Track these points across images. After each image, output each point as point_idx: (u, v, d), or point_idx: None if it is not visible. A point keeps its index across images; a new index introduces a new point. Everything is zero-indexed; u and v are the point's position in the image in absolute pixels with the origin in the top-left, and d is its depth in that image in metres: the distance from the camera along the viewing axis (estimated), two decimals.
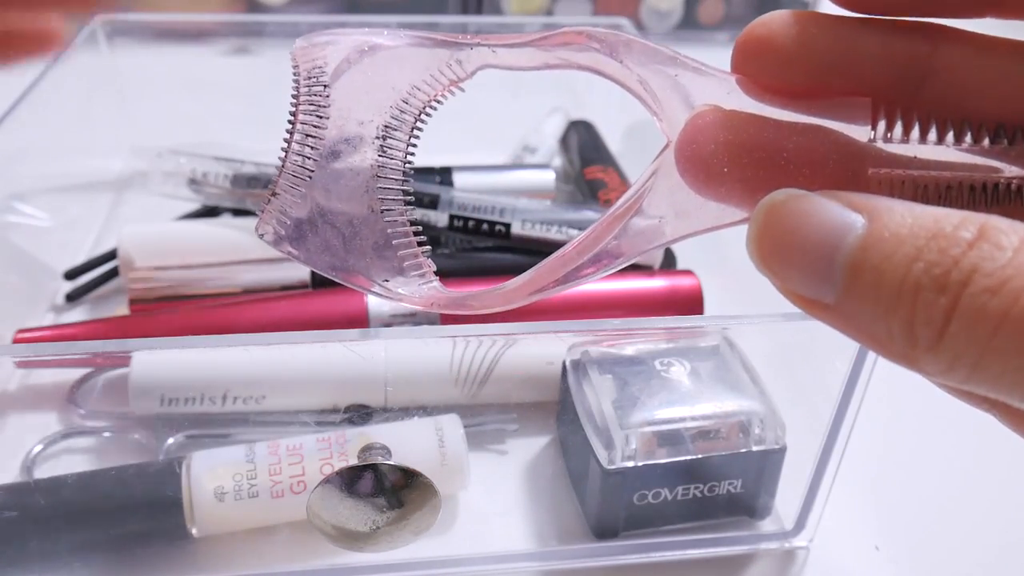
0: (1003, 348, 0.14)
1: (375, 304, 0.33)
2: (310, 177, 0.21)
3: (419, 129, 0.22)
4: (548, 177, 0.43)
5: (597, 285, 0.36)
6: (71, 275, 0.39)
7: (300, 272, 0.35)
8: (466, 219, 0.37)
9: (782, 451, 0.28)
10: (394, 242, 0.22)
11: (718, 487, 0.28)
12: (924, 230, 0.15)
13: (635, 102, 0.23)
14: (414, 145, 0.22)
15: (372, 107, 0.21)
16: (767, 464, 0.28)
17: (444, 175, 0.41)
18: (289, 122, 0.21)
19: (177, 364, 0.31)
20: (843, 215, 0.16)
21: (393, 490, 0.26)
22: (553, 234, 0.37)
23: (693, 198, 0.20)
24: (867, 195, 0.17)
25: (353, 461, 0.27)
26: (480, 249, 0.38)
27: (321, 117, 0.21)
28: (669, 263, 0.38)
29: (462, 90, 0.22)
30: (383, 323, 0.33)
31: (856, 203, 0.16)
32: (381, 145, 0.22)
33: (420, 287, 0.22)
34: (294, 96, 0.21)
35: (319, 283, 0.36)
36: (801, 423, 0.28)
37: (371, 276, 0.22)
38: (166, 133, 0.43)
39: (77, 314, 0.38)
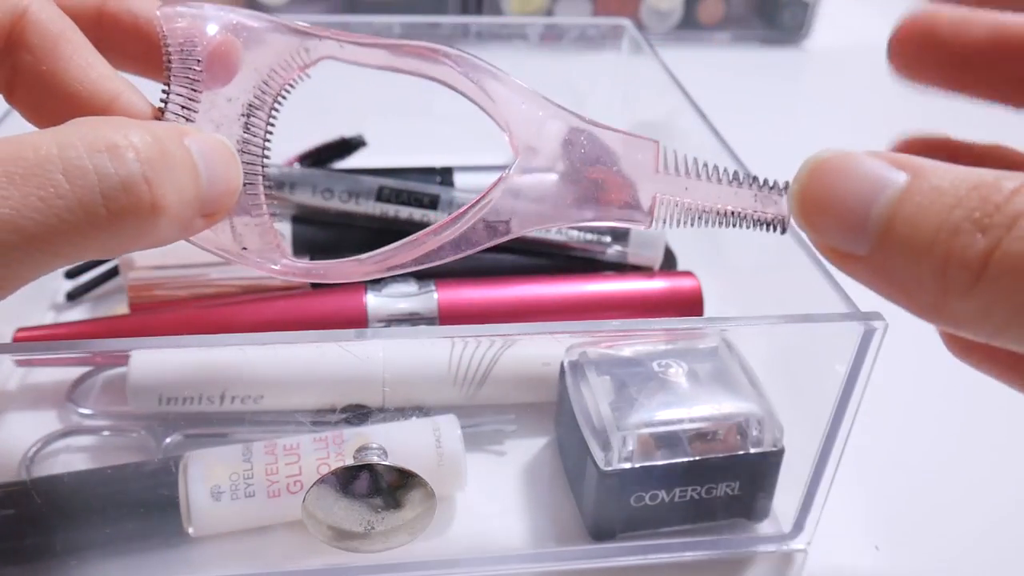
0: None
1: (374, 304, 0.33)
2: None
3: (276, 110, 0.23)
4: (548, 176, 0.43)
5: (596, 286, 0.36)
6: (71, 274, 0.39)
7: None
8: None
9: (780, 453, 0.28)
10: (253, 214, 0.23)
11: (715, 489, 0.28)
12: (965, 182, 0.15)
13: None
14: (272, 125, 0.23)
15: (238, 85, 0.22)
16: (765, 466, 0.28)
17: (444, 175, 0.41)
18: (163, 92, 0.22)
19: (175, 363, 0.31)
20: (886, 170, 0.16)
21: (389, 490, 0.26)
22: (552, 235, 0.37)
23: (531, 204, 0.23)
24: (912, 156, 0.16)
25: (349, 461, 0.27)
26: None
27: (195, 91, 0.22)
28: (669, 264, 0.38)
29: (308, 76, 0.23)
30: (381, 323, 0.33)
31: (900, 161, 0.16)
32: (246, 123, 0.22)
33: (277, 259, 0.23)
34: (167, 67, 0.22)
35: (318, 283, 0.36)
36: (799, 425, 0.28)
37: (230, 244, 0.23)
38: None
39: (77, 313, 0.38)
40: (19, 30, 0.21)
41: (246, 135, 0.23)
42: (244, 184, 0.22)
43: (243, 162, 0.22)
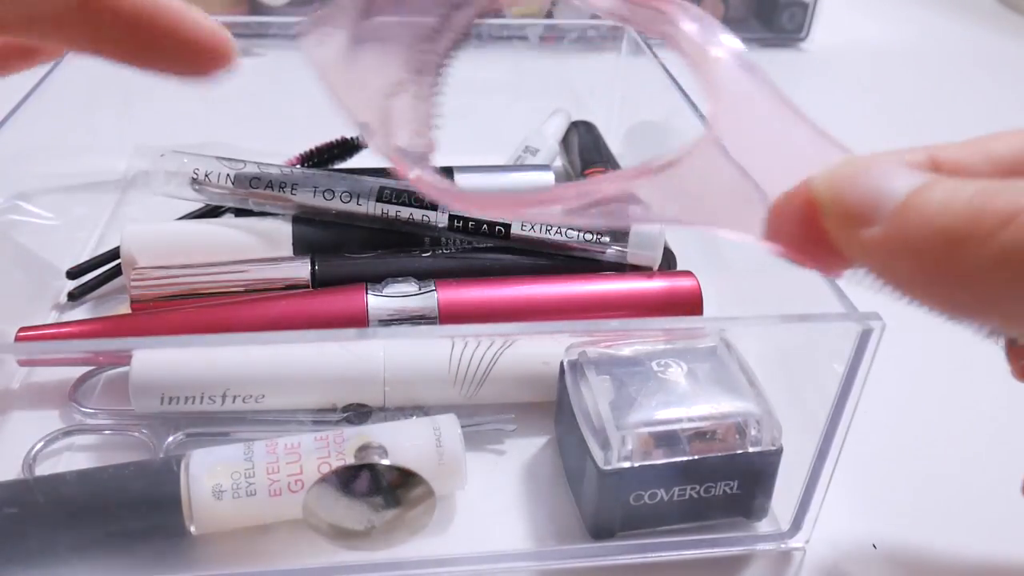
0: None
1: (374, 304, 0.33)
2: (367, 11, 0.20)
3: (483, 17, 0.21)
4: (548, 178, 0.43)
5: (596, 286, 0.36)
6: (73, 274, 0.39)
7: (301, 272, 0.36)
8: (466, 220, 0.37)
9: (778, 452, 0.28)
10: (414, 100, 0.21)
11: (714, 488, 0.28)
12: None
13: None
14: (472, 32, 0.21)
15: None
16: (763, 465, 0.28)
17: (445, 175, 0.41)
18: None
19: (177, 363, 0.31)
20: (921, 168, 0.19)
21: (390, 489, 0.26)
22: (552, 235, 0.37)
23: (695, 199, 0.20)
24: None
25: (350, 460, 0.27)
26: (480, 249, 0.38)
27: None
28: (668, 264, 0.39)
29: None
30: (382, 323, 0.34)
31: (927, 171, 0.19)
32: (446, 14, 0.21)
33: (415, 160, 0.21)
34: None
35: (319, 283, 0.36)
36: (797, 425, 0.28)
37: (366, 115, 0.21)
38: (169, 133, 0.44)
39: (79, 313, 0.38)
40: None
41: (441, 26, 0.21)
42: (416, 72, 0.20)
43: (421, 49, 0.20)
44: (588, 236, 0.37)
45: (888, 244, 0.18)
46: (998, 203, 0.16)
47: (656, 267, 0.38)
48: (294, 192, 0.38)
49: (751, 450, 0.28)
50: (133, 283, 0.35)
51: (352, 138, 0.44)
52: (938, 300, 0.18)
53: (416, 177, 0.21)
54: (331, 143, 0.44)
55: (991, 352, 0.23)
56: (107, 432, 0.31)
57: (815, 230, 0.19)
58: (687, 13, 0.21)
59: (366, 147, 0.44)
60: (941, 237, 0.17)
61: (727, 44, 0.20)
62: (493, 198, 0.21)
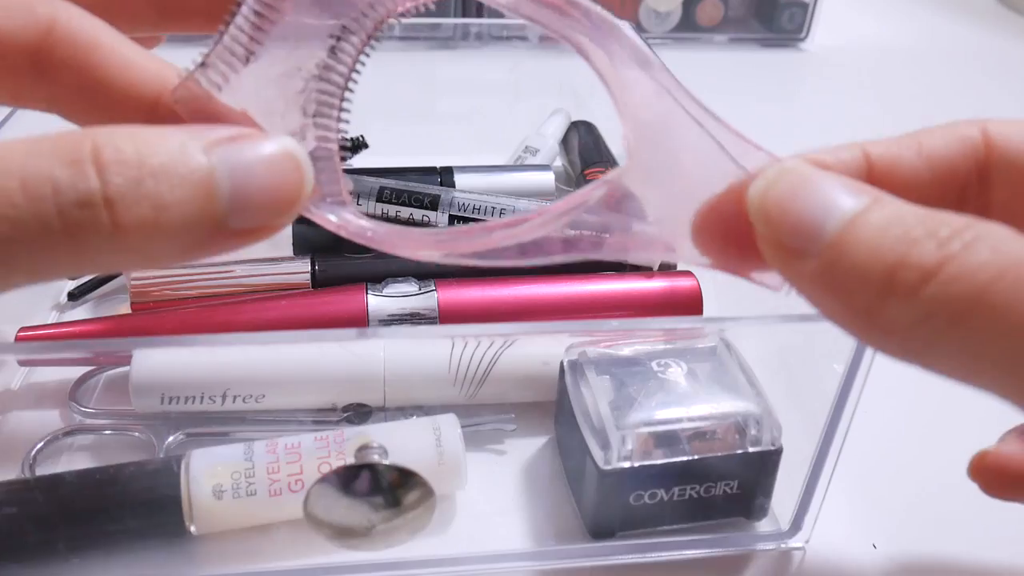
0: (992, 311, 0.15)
1: (374, 304, 0.33)
2: (247, 57, 0.19)
3: (375, 40, 0.20)
4: (548, 178, 0.43)
5: (596, 286, 0.36)
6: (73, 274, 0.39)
7: (301, 272, 0.36)
8: (466, 220, 0.37)
9: (778, 452, 0.28)
10: (316, 153, 0.19)
11: (714, 488, 0.28)
12: (928, 211, 0.16)
13: None
14: (366, 55, 0.20)
15: (337, 1, 0.19)
16: (763, 465, 0.28)
17: (445, 175, 0.41)
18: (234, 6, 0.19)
19: (177, 363, 0.31)
20: (856, 186, 0.17)
21: (390, 489, 0.26)
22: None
23: (634, 221, 0.20)
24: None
25: (350, 460, 0.27)
26: None
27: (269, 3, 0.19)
28: (669, 264, 0.39)
29: (429, 8, 0.20)
30: (382, 323, 0.34)
31: (864, 190, 0.17)
32: (333, 46, 0.19)
33: (332, 207, 0.20)
34: None
35: (319, 283, 0.36)
36: (797, 424, 0.28)
37: None
38: None
39: (79, 312, 0.38)
40: (48, 49, 0.20)
41: (331, 59, 0.19)
42: (313, 115, 0.19)
43: (317, 90, 0.19)
44: (587, 235, 0.37)
45: (819, 282, 0.17)
46: (922, 252, 0.16)
47: (656, 267, 0.38)
48: None
49: (751, 450, 0.28)
50: (133, 283, 0.35)
51: (354, 137, 0.44)
52: (871, 344, 0.17)
53: (338, 224, 0.20)
54: None
55: None
56: (107, 432, 0.31)
57: (746, 243, 0.18)
58: (590, 17, 0.20)
59: (368, 147, 0.44)
60: (870, 286, 0.16)
61: (634, 53, 0.20)
62: (420, 240, 0.20)
